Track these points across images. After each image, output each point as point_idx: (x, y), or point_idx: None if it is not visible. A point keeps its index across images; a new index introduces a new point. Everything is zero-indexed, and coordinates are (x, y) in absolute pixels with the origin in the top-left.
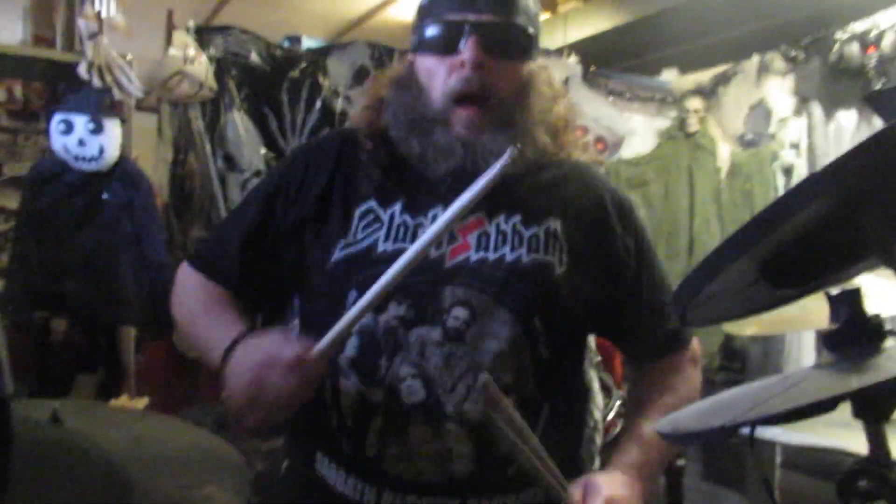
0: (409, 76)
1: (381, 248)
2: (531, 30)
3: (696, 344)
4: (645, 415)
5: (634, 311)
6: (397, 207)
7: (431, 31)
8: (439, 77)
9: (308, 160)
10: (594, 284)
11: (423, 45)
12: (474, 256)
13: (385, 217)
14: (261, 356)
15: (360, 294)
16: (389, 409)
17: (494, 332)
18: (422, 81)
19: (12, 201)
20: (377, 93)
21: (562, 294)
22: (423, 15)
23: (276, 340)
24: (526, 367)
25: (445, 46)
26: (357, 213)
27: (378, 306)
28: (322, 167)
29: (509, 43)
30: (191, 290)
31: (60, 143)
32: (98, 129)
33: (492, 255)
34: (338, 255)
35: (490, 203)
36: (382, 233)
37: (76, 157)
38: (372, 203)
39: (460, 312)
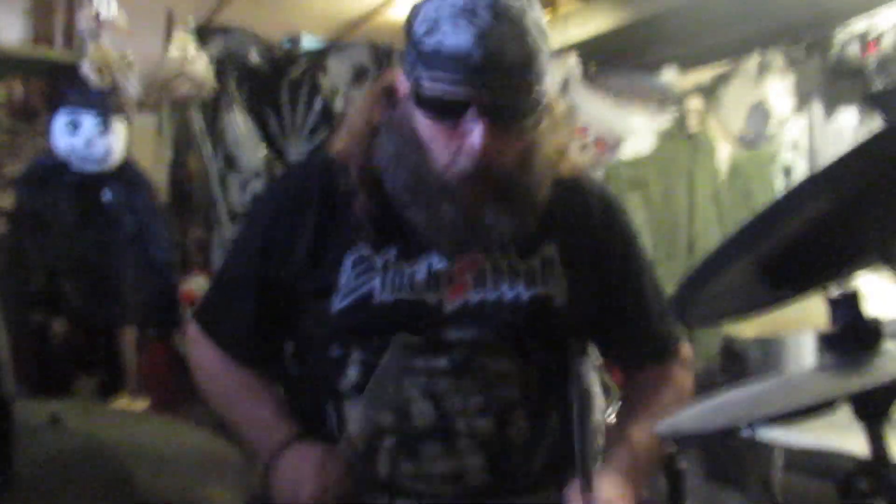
0: (406, 122)
1: (378, 298)
2: (540, 91)
3: (686, 348)
4: (633, 420)
5: (623, 318)
6: (391, 254)
7: (432, 93)
8: (441, 145)
9: (291, 207)
10: (593, 303)
11: (422, 103)
12: (474, 297)
13: (379, 264)
14: (309, 484)
15: (364, 350)
16: (400, 430)
17: (498, 362)
18: (421, 137)
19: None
20: (365, 124)
21: (563, 324)
22: (422, 57)
23: (320, 469)
24: (532, 382)
25: (448, 117)
26: (349, 261)
27: (383, 350)
28: (306, 213)
29: (518, 117)
30: (206, 361)
31: (66, 142)
32: (106, 130)
33: (491, 295)
34: (336, 306)
35: (484, 237)
36: (378, 282)
37: (81, 158)
38: (364, 250)
39: (462, 353)
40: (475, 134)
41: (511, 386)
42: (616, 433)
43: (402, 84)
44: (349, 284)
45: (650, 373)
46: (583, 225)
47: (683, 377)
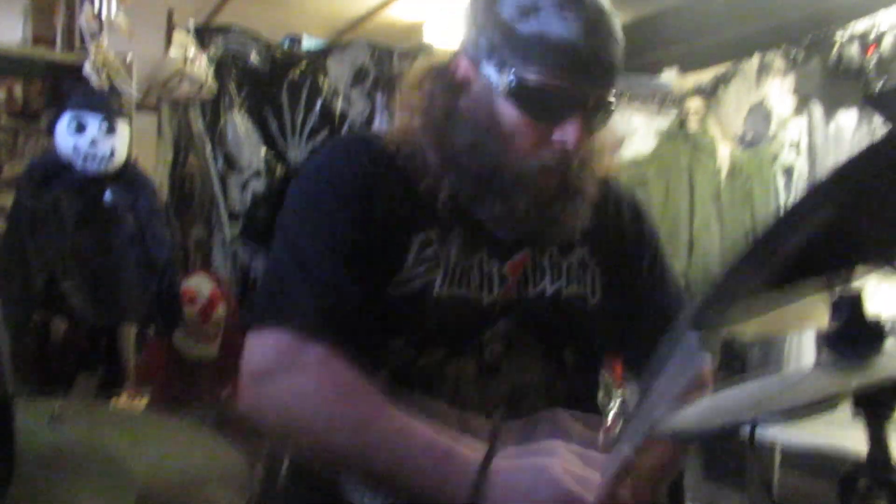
0: (482, 110)
1: (436, 290)
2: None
3: (708, 365)
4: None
5: (652, 324)
6: (455, 244)
7: (532, 90)
8: (527, 137)
9: (372, 182)
10: (622, 307)
11: (517, 99)
12: (516, 293)
13: (442, 254)
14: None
15: (406, 339)
16: None
17: (528, 365)
18: (503, 134)
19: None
20: (439, 112)
21: (595, 325)
22: (516, 43)
23: (562, 464)
24: (558, 397)
25: (548, 116)
26: (416, 240)
27: (423, 347)
28: (374, 196)
29: (603, 118)
30: (317, 376)
31: (70, 142)
32: (111, 130)
33: (532, 291)
34: (391, 292)
35: (530, 236)
36: (440, 273)
37: (85, 157)
38: (430, 232)
39: (496, 347)
40: (571, 130)
41: (537, 399)
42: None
43: (466, 68)
44: (412, 271)
45: None
46: (615, 230)
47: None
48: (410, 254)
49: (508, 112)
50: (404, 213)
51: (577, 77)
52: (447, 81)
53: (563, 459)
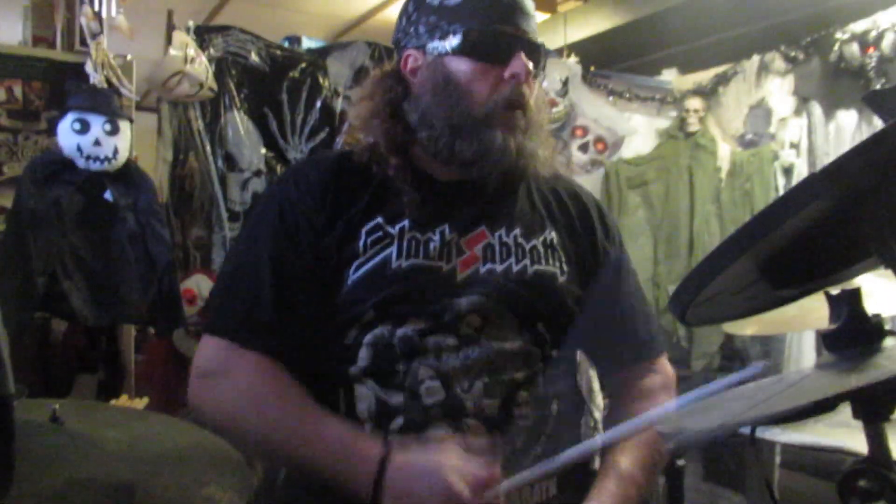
0: (436, 78)
1: (394, 263)
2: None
3: (669, 368)
4: (619, 448)
5: (609, 318)
6: (404, 224)
7: (477, 38)
8: (486, 84)
9: (307, 192)
10: (587, 292)
11: (465, 51)
12: (483, 268)
13: (393, 232)
14: (443, 482)
15: (377, 313)
16: (409, 409)
17: (505, 335)
18: (461, 84)
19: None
20: (382, 103)
21: (564, 301)
22: (454, 18)
23: (453, 464)
24: (536, 364)
25: (495, 57)
26: (364, 230)
27: (397, 321)
28: (323, 195)
29: (541, 60)
30: (248, 379)
31: (73, 142)
32: (114, 131)
33: (499, 267)
34: (353, 276)
35: (490, 217)
36: (394, 248)
37: (88, 157)
38: (378, 220)
39: (473, 319)
40: (518, 64)
41: (516, 367)
42: (604, 461)
43: (415, 58)
44: (366, 253)
45: (630, 389)
46: (581, 225)
47: (665, 399)
48: (360, 242)
49: (463, 67)
50: (355, 209)
51: (508, 19)
52: (396, 78)
53: (453, 456)
